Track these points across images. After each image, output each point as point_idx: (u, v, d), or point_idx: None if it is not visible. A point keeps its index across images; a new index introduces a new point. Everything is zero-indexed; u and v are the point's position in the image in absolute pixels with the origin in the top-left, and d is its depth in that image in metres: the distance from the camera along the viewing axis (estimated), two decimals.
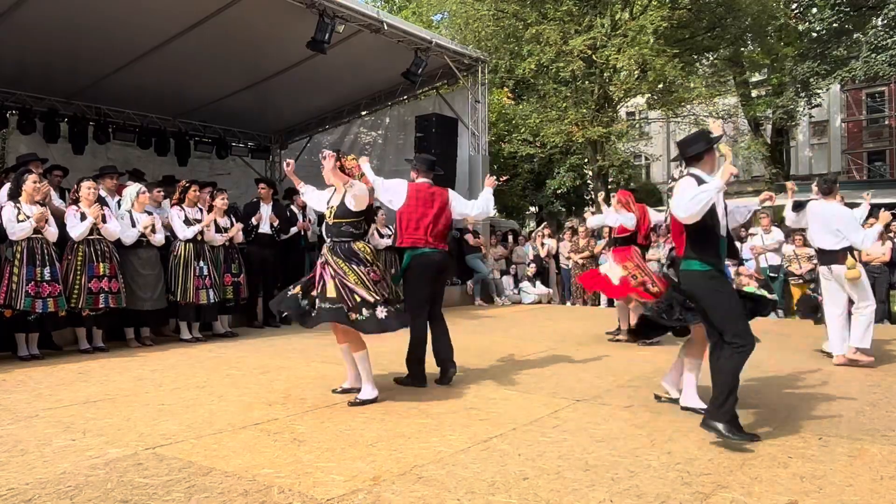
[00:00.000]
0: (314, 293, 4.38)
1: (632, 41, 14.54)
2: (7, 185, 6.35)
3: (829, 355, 5.97)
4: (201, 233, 7.25)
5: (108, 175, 7.58)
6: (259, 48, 10.25)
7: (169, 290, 7.05)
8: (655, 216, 7.59)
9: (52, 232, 6.09)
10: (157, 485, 2.87)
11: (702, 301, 3.59)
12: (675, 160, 3.99)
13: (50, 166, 7.94)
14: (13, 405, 4.27)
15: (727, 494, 2.83)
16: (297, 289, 4.46)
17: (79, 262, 6.28)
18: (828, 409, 4.31)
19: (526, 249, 13.46)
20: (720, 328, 3.49)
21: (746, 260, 10.77)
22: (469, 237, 11.60)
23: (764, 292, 4.24)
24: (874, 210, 7.26)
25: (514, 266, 13.05)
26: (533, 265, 12.69)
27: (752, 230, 10.76)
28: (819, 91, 20.94)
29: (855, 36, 19.53)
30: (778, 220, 9.95)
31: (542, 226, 15.15)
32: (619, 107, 18.10)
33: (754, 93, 23.18)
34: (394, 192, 5.02)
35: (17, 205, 5.94)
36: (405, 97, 13.46)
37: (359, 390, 4.41)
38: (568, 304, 12.21)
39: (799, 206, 6.10)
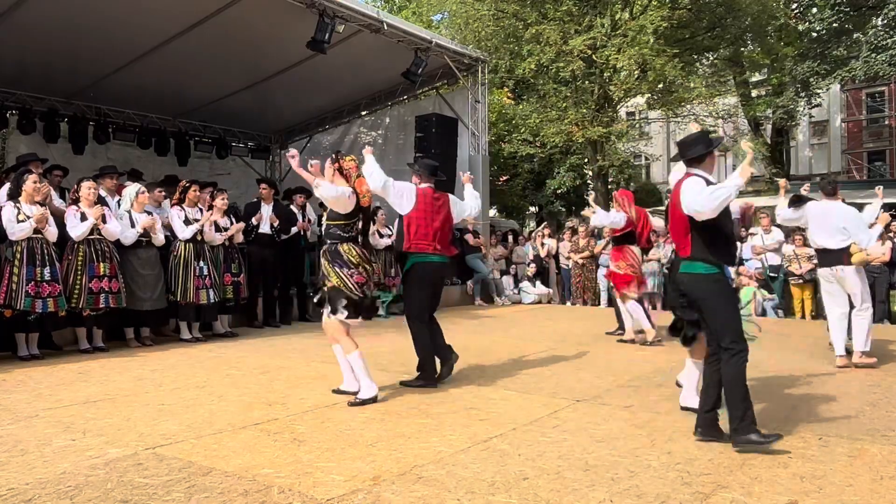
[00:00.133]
0: None
1: (632, 41, 14.54)
2: (7, 185, 6.35)
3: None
4: (201, 232, 7.25)
5: (107, 175, 7.58)
6: (259, 48, 10.25)
7: (169, 290, 7.05)
8: (657, 223, 7.62)
9: (52, 232, 6.09)
10: (157, 485, 2.87)
11: (704, 304, 3.52)
12: (675, 160, 3.94)
13: (50, 166, 7.93)
14: (13, 405, 4.27)
15: (727, 494, 2.83)
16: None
17: (79, 262, 6.28)
18: (828, 409, 4.31)
19: (526, 249, 13.46)
20: (720, 333, 3.45)
21: (746, 260, 10.78)
22: (469, 237, 11.60)
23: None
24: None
25: (514, 266, 13.05)
26: (533, 265, 12.69)
27: (752, 230, 10.76)
28: (819, 91, 20.94)
29: (855, 36, 19.53)
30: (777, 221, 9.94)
31: (542, 226, 15.15)
32: (619, 107, 18.10)
33: (754, 93, 23.19)
34: (403, 196, 5.02)
35: (17, 205, 5.94)
36: (405, 97, 13.46)
37: (375, 398, 4.41)
38: (568, 304, 12.21)
39: (798, 202, 6.05)
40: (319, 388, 4.76)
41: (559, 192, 21.79)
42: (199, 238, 7.24)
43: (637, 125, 24.98)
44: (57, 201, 6.86)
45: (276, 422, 3.92)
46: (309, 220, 9.21)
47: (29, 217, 5.90)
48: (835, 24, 19.67)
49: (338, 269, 4.41)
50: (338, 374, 4.68)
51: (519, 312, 10.73)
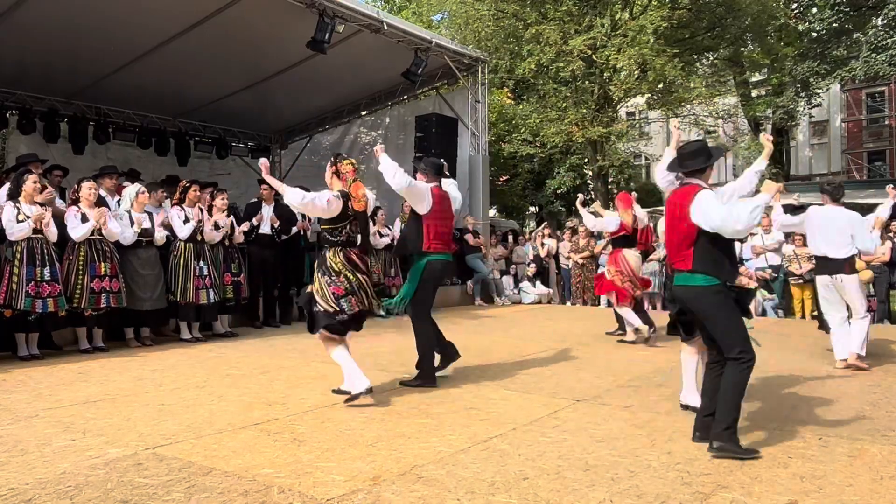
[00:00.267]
0: None
1: (632, 41, 14.54)
2: (7, 185, 6.35)
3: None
4: (201, 232, 7.25)
5: (107, 175, 7.58)
6: (259, 48, 10.24)
7: (169, 290, 7.05)
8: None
9: (52, 232, 6.09)
10: (157, 485, 2.87)
11: (707, 318, 3.45)
12: (672, 168, 3.79)
13: (50, 166, 7.94)
14: (13, 405, 4.27)
15: (727, 494, 2.83)
16: None
17: (80, 262, 6.28)
18: (828, 409, 4.31)
19: (526, 249, 13.46)
20: (726, 344, 3.38)
21: (747, 260, 10.78)
22: (469, 237, 11.60)
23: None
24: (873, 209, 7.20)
25: (514, 266, 13.05)
26: (533, 265, 12.69)
27: (752, 230, 10.76)
28: (819, 91, 20.94)
29: (855, 36, 19.53)
30: None
31: (543, 226, 15.15)
32: (619, 107, 18.10)
33: (754, 93, 23.18)
34: (424, 197, 5.03)
35: (17, 205, 5.94)
36: (405, 97, 13.46)
37: (371, 390, 4.41)
38: (568, 304, 12.21)
39: (798, 209, 5.98)
40: (319, 388, 4.76)
41: (559, 192, 21.79)
42: (198, 238, 7.24)
43: (637, 125, 25.00)
44: (57, 201, 6.86)
45: (276, 422, 3.92)
46: (309, 221, 9.21)
47: (29, 217, 5.90)
48: (835, 24, 19.68)
49: (319, 276, 4.42)
50: (338, 374, 4.67)
51: (519, 312, 10.73)
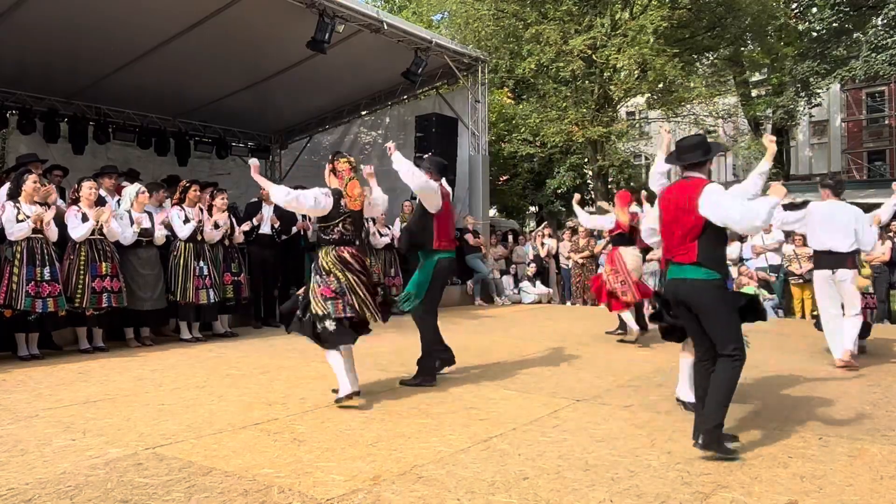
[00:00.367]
0: None
1: (632, 41, 14.53)
2: (7, 185, 6.35)
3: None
4: (201, 232, 7.25)
5: (107, 175, 7.58)
6: (259, 48, 10.24)
7: (169, 289, 7.05)
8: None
9: (52, 232, 6.10)
10: (157, 485, 2.87)
11: (706, 311, 3.39)
12: (670, 160, 3.82)
13: (50, 166, 7.94)
14: (13, 405, 4.27)
15: (727, 494, 2.83)
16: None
17: (81, 262, 6.29)
18: (828, 409, 4.31)
19: (526, 249, 13.46)
20: (721, 340, 3.36)
21: (747, 260, 10.78)
22: (469, 237, 11.60)
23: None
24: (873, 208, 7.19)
25: (514, 266, 13.05)
26: (533, 265, 12.69)
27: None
28: (819, 91, 20.92)
29: (855, 35, 19.52)
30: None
31: (543, 225, 15.15)
32: (619, 107, 18.09)
33: (754, 92, 23.16)
34: (436, 196, 5.06)
35: (17, 205, 5.95)
36: (405, 97, 13.46)
37: (358, 393, 4.41)
38: (568, 304, 12.21)
39: (798, 206, 5.96)
40: (319, 388, 4.75)
41: (559, 191, 21.77)
42: (199, 238, 7.24)
43: (637, 125, 24.98)
44: (57, 201, 6.86)
45: (276, 422, 3.92)
46: (309, 220, 9.20)
47: (29, 217, 5.90)
48: (835, 24, 19.67)
49: (313, 276, 4.40)
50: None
51: (519, 312, 10.73)
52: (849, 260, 5.67)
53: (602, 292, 7.16)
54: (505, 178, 22.79)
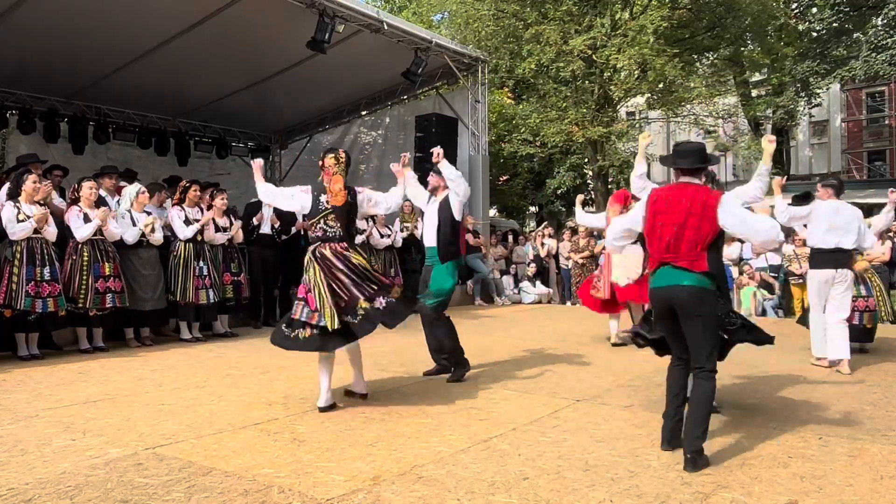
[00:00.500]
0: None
1: (632, 41, 14.52)
2: (7, 185, 6.36)
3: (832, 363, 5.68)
4: (201, 233, 7.26)
5: (107, 175, 7.58)
6: (259, 48, 10.24)
7: (169, 290, 7.06)
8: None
9: (51, 232, 6.10)
10: (157, 485, 2.87)
11: (703, 319, 3.32)
12: (665, 162, 3.75)
13: (50, 166, 7.94)
14: (13, 405, 4.27)
15: (727, 494, 2.83)
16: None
17: (84, 263, 6.29)
18: (828, 409, 4.31)
19: (526, 249, 13.46)
20: (706, 351, 3.30)
21: (747, 259, 10.78)
22: (469, 237, 11.60)
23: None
24: (874, 210, 7.19)
25: (514, 266, 13.05)
26: (533, 265, 12.69)
27: None
28: (819, 91, 20.92)
29: (855, 35, 19.52)
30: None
31: (543, 225, 15.15)
32: (619, 107, 18.08)
33: (754, 93, 23.16)
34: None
35: (17, 205, 5.95)
36: (405, 97, 13.46)
37: (364, 395, 4.40)
38: (568, 304, 12.20)
39: (803, 199, 5.89)
40: (319, 389, 4.74)
41: (559, 192, 21.76)
42: (199, 238, 7.25)
43: (637, 125, 24.99)
44: (57, 201, 6.87)
45: (276, 422, 3.92)
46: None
47: (29, 217, 5.90)
48: (835, 24, 19.67)
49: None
50: (338, 375, 4.66)
51: (519, 312, 10.73)
52: (850, 259, 5.67)
53: (586, 300, 7.20)
54: (505, 178, 22.78)
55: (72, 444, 3.44)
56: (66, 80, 10.72)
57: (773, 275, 10.48)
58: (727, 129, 23.22)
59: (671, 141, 26.78)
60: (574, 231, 12.36)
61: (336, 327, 3.98)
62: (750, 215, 3.40)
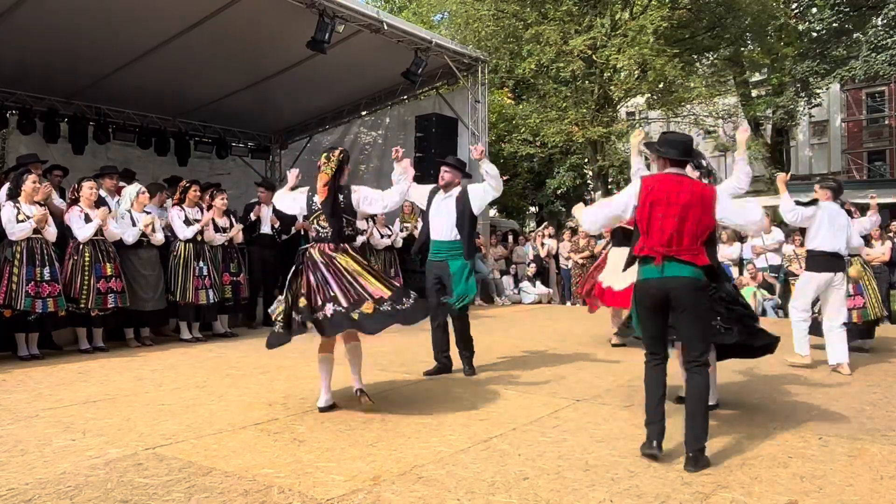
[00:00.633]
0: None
1: (632, 41, 14.53)
2: (7, 185, 6.36)
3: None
4: (201, 233, 7.26)
5: (107, 175, 7.58)
6: (259, 48, 10.24)
7: (169, 290, 7.06)
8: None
9: (51, 232, 6.10)
10: (157, 485, 2.87)
11: (699, 309, 3.32)
12: (650, 148, 3.69)
13: (50, 166, 7.94)
14: (13, 405, 4.27)
15: (727, 494, 2.83)
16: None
17: (86, 263, 6.30)
18: (828, 409, 4.31)
19: (526, 249, 13.46)
20: (699, 342, 3.30)
21: (747, 260, 10.78)
22: None
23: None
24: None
25: (514, 266, 13.05)
26: (533, 265, 12.69)
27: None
28: (819, 91, 20.91)
29: (855, 36, 19.51)
30: (777, 221, 9.94)
31: (544, 226, 15.15)
32: (619, 107, 18.09)
33: (754, 93, 23.16)
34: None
35: (17, 205, 5.95)
36: (405, 97, 13.45)
37: (361, 391, 4.39)
38: (568, 304, 12.21)
39: (812, 202, 5.85)
40: (319, 389, 4.74)
41: (559, 192, 21.77)
42: (199, 238, 7.25)
43: (637, 125, 24.99)
44: (57, 201, 6.87)
45: (276, 422, 3.92)
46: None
47: (29, 217, 5.91)
48: (835, 24, 19.66)
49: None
50: (338, 375, 4.67)
51: (519, 312, 10.73)
52: (846, 263, 5.72)
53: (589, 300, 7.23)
54: (505, 178, 22.71)
55: (72, 445, 3.44)
56: (66, 80, 10.72)
57: (773, 275, 10.48)
58: (727, 129, 23.22)
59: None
60: (574, 231, 12.37)
61: (279, 320, 4.16)
62: (741, 205, 3.51)
